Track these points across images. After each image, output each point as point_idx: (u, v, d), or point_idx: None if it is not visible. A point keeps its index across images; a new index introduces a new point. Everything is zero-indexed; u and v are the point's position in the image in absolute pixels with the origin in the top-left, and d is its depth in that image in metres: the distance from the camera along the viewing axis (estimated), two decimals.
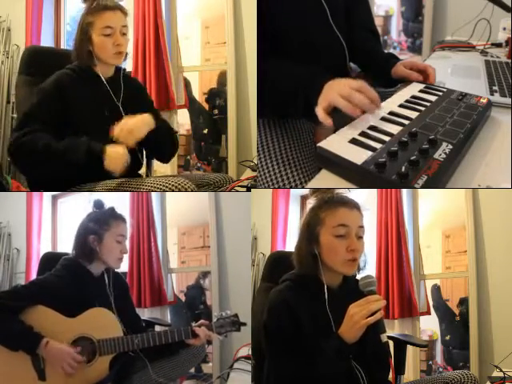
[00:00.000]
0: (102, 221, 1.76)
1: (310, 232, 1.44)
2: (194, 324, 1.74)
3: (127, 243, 1.81)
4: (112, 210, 1.81)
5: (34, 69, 2.13)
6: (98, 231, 1.75)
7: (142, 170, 2.16)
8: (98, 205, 1.80)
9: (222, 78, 3.47)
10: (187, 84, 3.61)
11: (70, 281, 1.72)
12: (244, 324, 1.77)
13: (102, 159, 1.75)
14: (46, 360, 1.63)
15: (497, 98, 1.77)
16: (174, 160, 3.50)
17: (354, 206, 1.45)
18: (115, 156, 1.77)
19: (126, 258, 1.82)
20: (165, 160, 2.19)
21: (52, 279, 1.72)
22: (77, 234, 1.79)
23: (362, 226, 1.43)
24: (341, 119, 1.48)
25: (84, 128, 1.86)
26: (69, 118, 1.87)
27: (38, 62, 2.15)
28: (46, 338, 1.61)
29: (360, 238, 1.42)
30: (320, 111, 1.49)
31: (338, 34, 1.80)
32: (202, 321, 1.76)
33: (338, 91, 1.47)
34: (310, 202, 1.49)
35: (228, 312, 1.76)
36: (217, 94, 3.53)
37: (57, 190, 2.87)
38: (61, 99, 1.86)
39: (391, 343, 1.75)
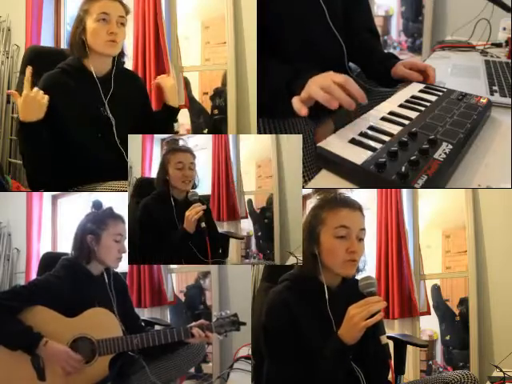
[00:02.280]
0: (99, 220, 1.77)
1: (310, 232, 1.44)
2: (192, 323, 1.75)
3: (126, 243, 1.81)
4: (110, 209, 1.81)
5: (35, 69, 2.12)
6: (96, 231, 1.75)
7: None
8: (97, 205, 1.80)
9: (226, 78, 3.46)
10: (187, 84, 3.61)
11: (70, 281, 1.72)
12: (243, 323, 1.77)
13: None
14: (46, 360, 1.63)
15: (497, 98, 1.77)
16: None
17: (356, 207, 1.44)
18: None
19: (125, 257, 1.83)
20: None
21: (51, 279, 1.72)
22: (75, 234, 1.80)
23: (363, 229, 1.42)
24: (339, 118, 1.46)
25: (68, 127, 1.85)
26: (55, 117, 1.83)
27: (39, 61, 2.15)
28: (45, 338, 1.62)
29: (361, 240, 1.41)
30: (296, 101, 1.45)
31: (337, 34, 1.80)
32: (201, 321, 1.76)
33: (319, 84, 1.44)
34: (312, 202, 1.49)
35: (227, 312, 1.77)
36: (217, 94, 3.53)
37: (57, 190, 2.87)
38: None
39: (391, 343, 1.75)
